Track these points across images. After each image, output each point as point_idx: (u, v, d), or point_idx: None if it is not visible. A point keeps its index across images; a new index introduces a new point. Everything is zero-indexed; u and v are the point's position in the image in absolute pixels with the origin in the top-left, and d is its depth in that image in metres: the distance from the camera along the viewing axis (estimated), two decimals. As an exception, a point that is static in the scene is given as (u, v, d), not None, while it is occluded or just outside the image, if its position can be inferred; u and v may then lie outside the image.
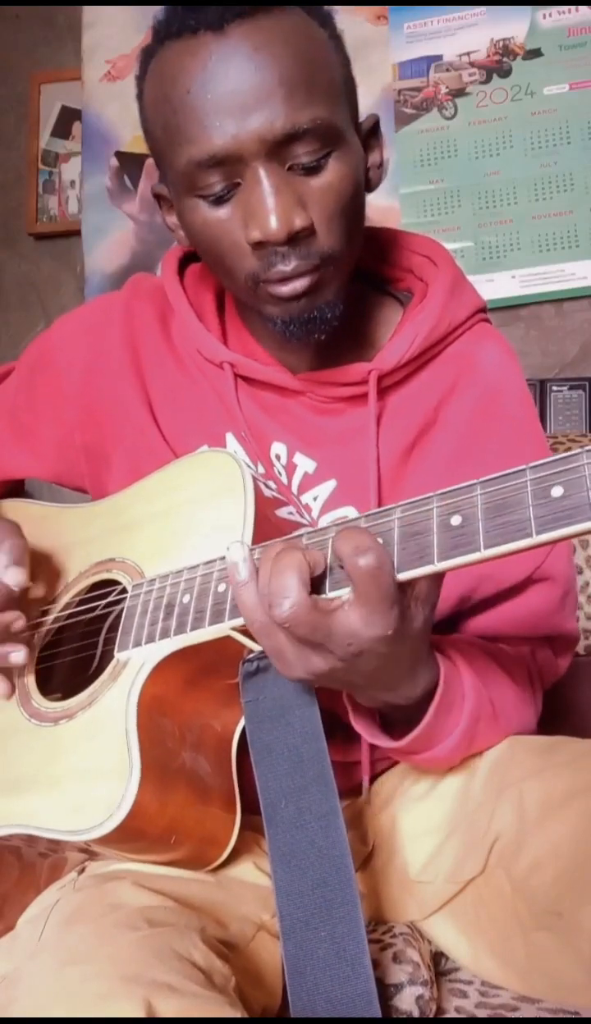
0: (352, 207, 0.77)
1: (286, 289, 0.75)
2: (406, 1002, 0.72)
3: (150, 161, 2.15)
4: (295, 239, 0.73)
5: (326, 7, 0.78)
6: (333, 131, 0.74)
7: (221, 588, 0.70)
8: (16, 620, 0.81)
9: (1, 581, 0.80)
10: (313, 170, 0.74)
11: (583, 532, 0.53)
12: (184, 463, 0.82)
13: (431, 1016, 0.73)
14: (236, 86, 0.71)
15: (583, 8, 1.90)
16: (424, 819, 0.83)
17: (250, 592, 0.64)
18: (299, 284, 0.75)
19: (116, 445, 0.91)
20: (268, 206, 0.72)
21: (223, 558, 0.71)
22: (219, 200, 0.74)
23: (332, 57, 0.76)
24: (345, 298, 0.79)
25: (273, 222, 0.72)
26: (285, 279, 0.75)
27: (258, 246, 0.74)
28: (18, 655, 0.81)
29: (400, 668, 0.67)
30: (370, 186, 0.83)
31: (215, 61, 0.71)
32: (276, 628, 0.63)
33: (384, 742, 0.75)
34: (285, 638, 0.63)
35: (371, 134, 0.83)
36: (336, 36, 0.78)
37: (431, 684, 0.72)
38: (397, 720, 0.75)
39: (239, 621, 0.68)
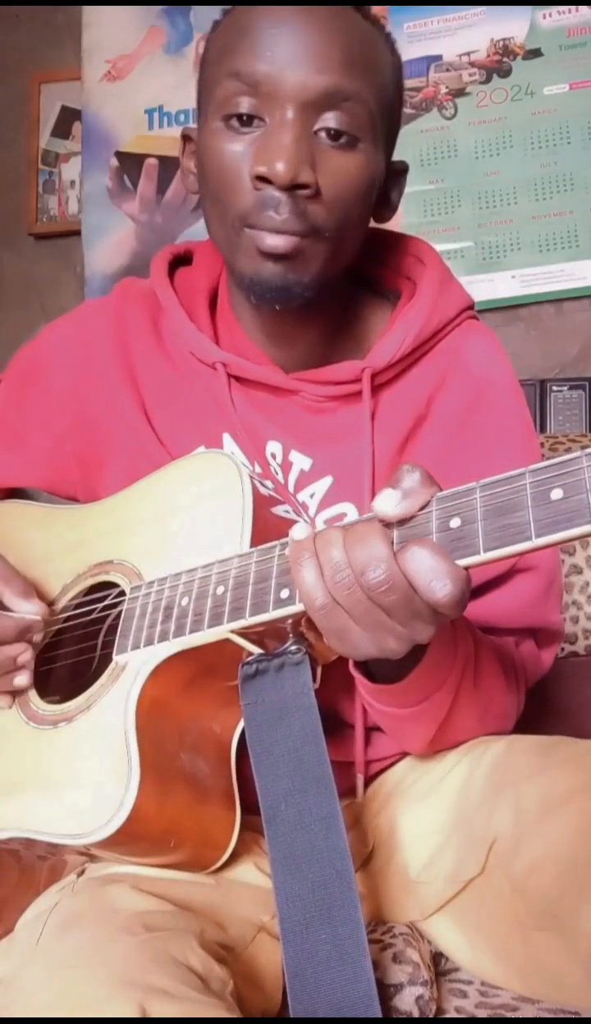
0: (356, 204, 0.79)
1: (269, 241, 0.75)
2: (406, 1002, 0.72)
3: (150, 161, 2.18)
4: (295, 193, 0.74)
5: None
6: (369, 121, 0.77)
7: (220, 591, 0.70)
8: (23, 652, 0.82)
9: (22, 616, 0.81)
10: (338, 145, 0.76)
11: (583, 535, 0.53)
12: (182, 464, 0.82)
13: (431, 1016, 0.73)
14: (303, 33, 0.74)
15: (583, 8, 1.89)
16: (424, 819, 0.83)
17: (310, 570, 0.61)
18: (281, 241, 0.75)
19: (110, 450, 0.91)
20: (282, 146, 0.73)
21: (222, 560, 0.71)
22: (238, 131, 0.75)
23: (389, 77, 0.81)
24: (321, 287, 0.79)
25: (282, 163, 0.73)
26: (271, 230, 0.75)
27: (259, 182, 0.74)
28: (21, 679, 0.82)
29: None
30: (380, 217, 0.86)
31: (296, 11, 0.75)
32: (338, 608, 0.61)
33: (377, 686, 0.74)
34: (348, 617, 0.61)
35: (397, 174, 0.86)
36: (399, 72, 0.83)
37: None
38: (382, 675, 0.75)
39: (238, 624, 0.68)
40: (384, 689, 0.74)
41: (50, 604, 0.88)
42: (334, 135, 0.75)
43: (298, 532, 0.64)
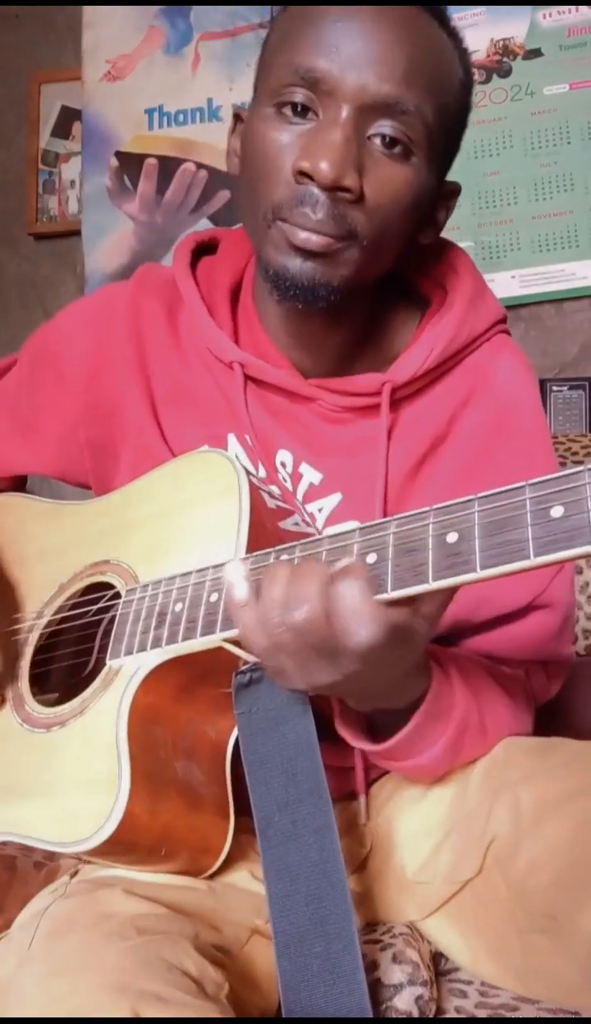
0: (398, 217, 0.76)
1: (301, 235, 0.73)
2: (406, 1002, 0.72)
3: (150, 161, 2.17)
4: (336, 195, 0.71)
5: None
6: (425, 136, 0.74)
7: (213, 598, 0.69)
8: None
9: None
10: (390, 153, 0.73)
11: (583, 555, 0.52)
12: (182, 462, 0.81)
13: (431, 1016, 0.73)
14: (372, 34, 0.71)
15: (583, 8, 1.89)
16: (421, 820, 0.83)
17: (249, 614, 0.62)
18: (315, 239, 0.72)
19: (122, 442, 0.89)
20: (330, 144, 0.70)
21: (216, 566, 0.70)
22: (289, 120, 0.73)
23: (454, 96, 0.77)
24: (349, 294, 0.76)
25: (326, 162, 0.70)
26: (305, 229, 0.72)
27: (300, 178, 0.72)
28: None
29: (395, 677, 0.67)
30: (422, 235, 0.83)
31: (367, 10, 0.72)
32: (277, 651, 0.61)
33: (367, 746, 0.75)
34: (287, 658, 0.62)
35: (449, 195, 0.84)
36: (468, 90, 0.80)
37: (423, 692, 0.72)
38: (384, 727, 0.75)
39: (231, 632, 0.67)
40: (372, 748, 0.75)
41: (45, 603, 0.87)
42: (388, 143, 0.72)
43: (231, 573, 0.63)
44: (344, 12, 0.72)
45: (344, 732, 0.75)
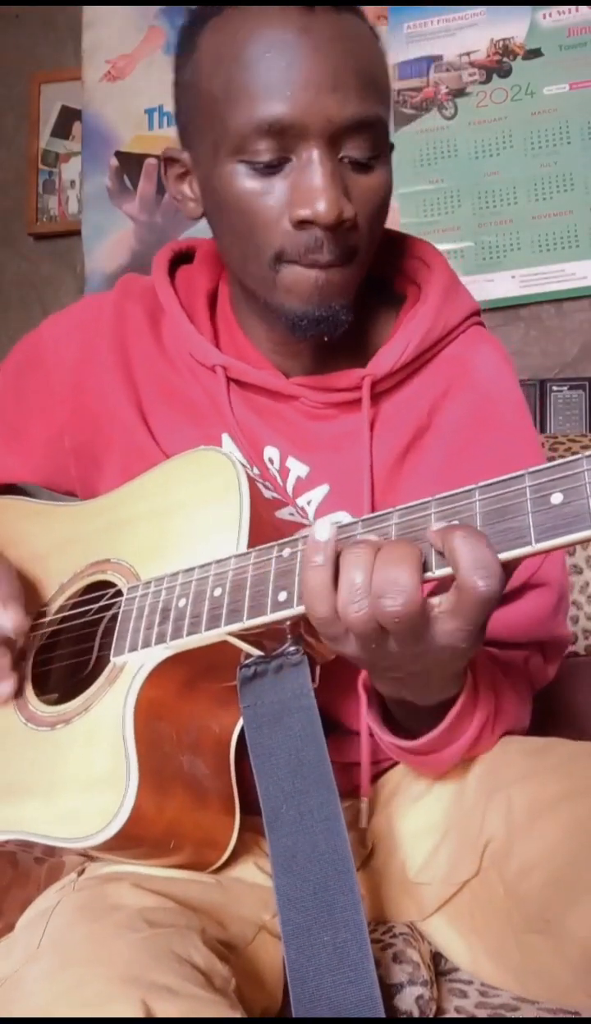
0: (383, 214, 0.79)
1: (313, 276, 0.75)
2: (406, 1002, 0.72)
3: (150, 161, 2.18)
4: (337, 229, 0.74)
5: None
6: (385, 134, 0.77)
7: (217, 592, 0.69)
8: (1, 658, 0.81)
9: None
10: (362, 168, 0.75)
11: (583, 540, 0.53)
12: (181, 461, 0.82)
13: (431, 1016, 0.73)
14: (316, 64, 0.72)
15: (583, 8, 1.89)
16: (421, 819, 0.83)
17: (321, 578, 0.60)
18: (321, 277, 0.76)
19: (107, 448, 0.91)
20: (321, 187, 0.72)
21: (219, 561, 0.71)
22: (263, 171, 0.74)
23: (386, 72, 0.80)
24: (354, 302, 0.79)
25: (325, 204, 0.72)
26: (317, 266, 0.75)
27: (301, 225, 0.74)
28: (5, 687, 0.82)
29: (446, 672, 0.67)
30: None
31: (299, 34, 0.72)
32: (338, 620, 0.60)
33: (396, 740, 0.75)
34: (346, 630, 0.60)
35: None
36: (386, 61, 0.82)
37: (456, 691, 0.72)
38: (402, 717, 0.75)
39: (235, 627, 0.67)
40: (398, 743, 0.75)
41: (46, 603, 0.88)
42: (358, 159, 0.75)
43: (320, 531, 0.61)
44: (280, 49, 0.72)
45: (373, 724, 0.75)
